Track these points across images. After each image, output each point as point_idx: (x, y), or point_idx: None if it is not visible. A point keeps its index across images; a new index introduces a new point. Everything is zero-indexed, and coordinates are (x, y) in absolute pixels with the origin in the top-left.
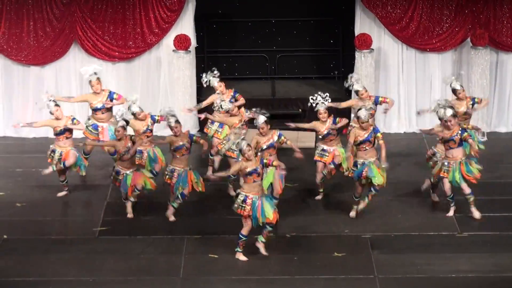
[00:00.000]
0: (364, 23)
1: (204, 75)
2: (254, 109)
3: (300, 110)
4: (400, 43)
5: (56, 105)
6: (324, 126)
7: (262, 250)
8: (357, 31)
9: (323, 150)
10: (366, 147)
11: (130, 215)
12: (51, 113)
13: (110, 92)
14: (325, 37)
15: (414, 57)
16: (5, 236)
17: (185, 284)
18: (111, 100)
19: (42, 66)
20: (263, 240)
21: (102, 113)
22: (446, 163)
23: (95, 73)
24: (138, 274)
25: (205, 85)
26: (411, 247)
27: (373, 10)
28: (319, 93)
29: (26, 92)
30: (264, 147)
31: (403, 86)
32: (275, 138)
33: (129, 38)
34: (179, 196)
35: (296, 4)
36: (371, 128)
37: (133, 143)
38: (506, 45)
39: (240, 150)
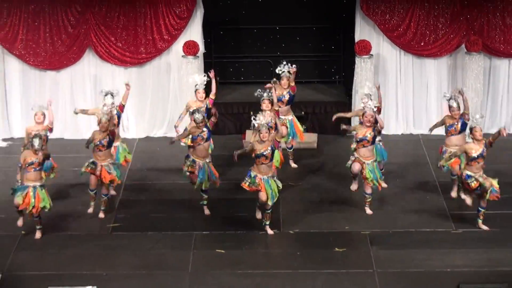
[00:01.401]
0: (364, 30)
1: (279, 67)
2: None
3: (303, 112)
4: (398, 49)
5: (43, 113)
6: (365, 130)
7: (269, 231)
8: (357, 38)
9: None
10: (479, 161)
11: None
12: (36, 114)
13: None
14: (327, 43)
15: (411, 62)
16: (23, 232)
17: (194, 278)
18: (118, 118)
19: (58, 70)
20: (267, 222)
21: None
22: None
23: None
24: (149, 269)
25: (278, 71)
26: (408, 243)
27: (373, 17)
28: (371, 97)
29: (43, 95)
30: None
31: (400, 90)
32: None
33: (140, 44)
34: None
35: (300, 12)
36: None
37: (46, 158)
38: (498, 51)
39: (259, 130)
